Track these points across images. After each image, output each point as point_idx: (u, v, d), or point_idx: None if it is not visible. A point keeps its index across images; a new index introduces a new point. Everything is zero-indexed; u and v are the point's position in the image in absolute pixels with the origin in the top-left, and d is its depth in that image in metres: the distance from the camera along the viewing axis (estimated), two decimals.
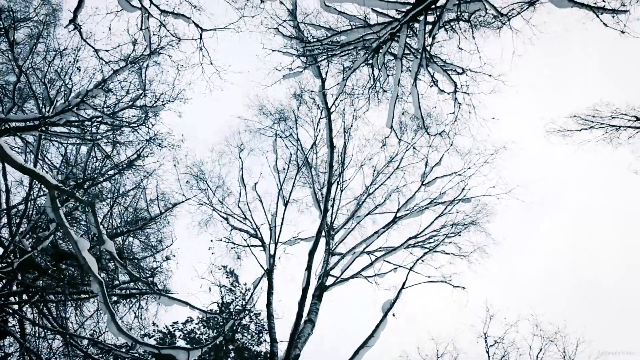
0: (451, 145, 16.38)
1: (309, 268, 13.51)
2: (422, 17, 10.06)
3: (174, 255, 17.01)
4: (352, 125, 16.93)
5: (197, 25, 12.87)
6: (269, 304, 13.84)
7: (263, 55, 14.01)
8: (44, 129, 14.37)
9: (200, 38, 13.11)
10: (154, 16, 11.53)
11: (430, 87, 10.66)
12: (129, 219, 19.22)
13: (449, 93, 10.71)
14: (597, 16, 8.03)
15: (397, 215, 16.20)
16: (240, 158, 18.10)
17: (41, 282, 14.04)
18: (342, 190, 17.11)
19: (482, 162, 16.19)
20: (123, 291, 16.13)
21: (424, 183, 16.49)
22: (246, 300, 16.62)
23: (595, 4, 8.22)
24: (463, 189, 16.35)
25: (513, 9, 8.59)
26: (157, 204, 19.13)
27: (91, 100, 13.56)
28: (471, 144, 15.98)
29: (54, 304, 14.17)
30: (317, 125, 16.75)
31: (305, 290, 13.12)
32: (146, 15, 10.63)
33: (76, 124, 15.40)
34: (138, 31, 13.07)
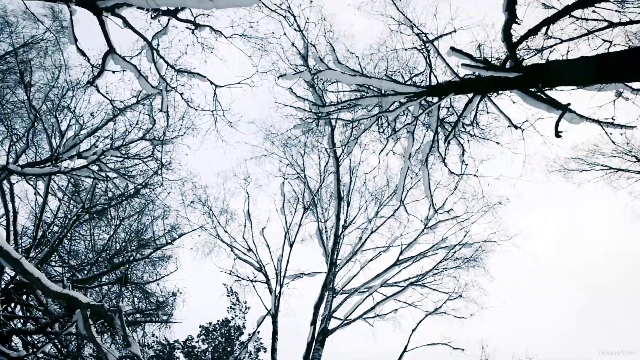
0: (456, 188, 16.66)
1: (314, 322, 13.83)
2: (435, 99, 10.33)
3: (180, 292, 17.42)
4: (359, 165, 17.25)
5: (211, 82, 13.04)
6: (273, 350, 14.15)
7: (275, 109, 14.34)
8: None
9: (214, 94, 13.32)
10: (172, 86, 11.72)
11: (442, 162, 10.93)
12: (132, 238, 19.72)
13: (458, 175, 11.01)
14: (607, 134, 8.30)
15: (400, 259, 16.57)
16: (246, 191, 18.35)
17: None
18: (345, 228, 17.41)
19: (484, 210, 16.50)
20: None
21: (426, 226, 16.83)
22: (249, 337, 16.99)
23: (605, 119, 8.47)
24: (465, 234, 16.71)
25: (526, 121, 8.86)
26: (163, 232, 19.66)
27: (105, 158, 13.75)
28: (474, 194, 16.26)
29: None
30: (325, 167, 16.98)
31: (310, 345, 13.46)
32: (164, 86, 10.79)
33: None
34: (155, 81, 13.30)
